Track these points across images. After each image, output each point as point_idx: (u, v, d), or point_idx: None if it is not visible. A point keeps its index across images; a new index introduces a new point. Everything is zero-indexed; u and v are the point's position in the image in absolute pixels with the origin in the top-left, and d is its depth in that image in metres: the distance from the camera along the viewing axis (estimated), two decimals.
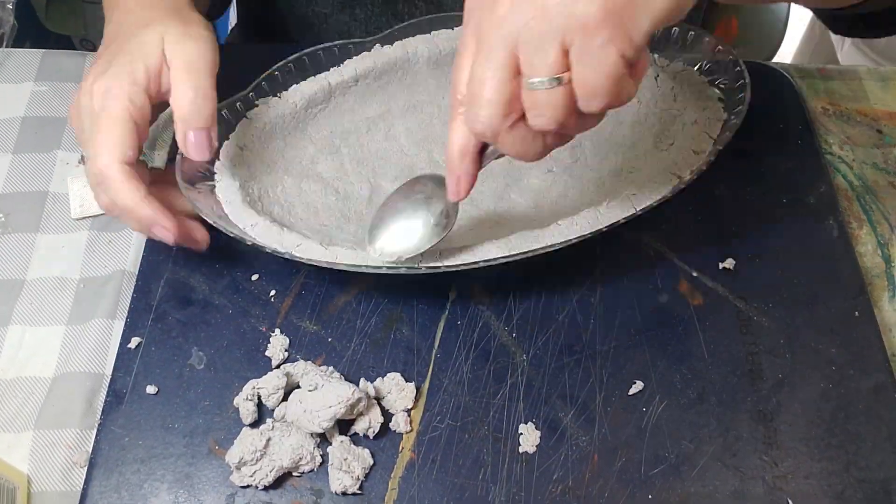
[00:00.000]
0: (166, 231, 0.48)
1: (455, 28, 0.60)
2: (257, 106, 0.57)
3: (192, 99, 0.47)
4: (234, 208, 0.51)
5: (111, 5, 0.54)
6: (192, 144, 0.48)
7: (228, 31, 0.94)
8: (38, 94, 0.66)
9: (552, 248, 0.49)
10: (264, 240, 0.49)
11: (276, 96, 0.58)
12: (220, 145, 0.54)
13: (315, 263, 0.49)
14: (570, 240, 0.49)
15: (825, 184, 0.61)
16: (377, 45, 0.60)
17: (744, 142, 0.63)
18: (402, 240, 0.48)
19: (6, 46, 0.74)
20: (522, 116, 0.37)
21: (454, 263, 0.48)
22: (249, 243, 0.49)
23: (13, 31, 0.84)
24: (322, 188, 0.57)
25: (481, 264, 0.48)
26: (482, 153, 0.43)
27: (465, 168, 0.42)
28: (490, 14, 0.36)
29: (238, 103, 0.56)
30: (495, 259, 0.48)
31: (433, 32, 0.60)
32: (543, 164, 0.59)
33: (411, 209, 0.49)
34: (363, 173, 0.59)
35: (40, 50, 0.70)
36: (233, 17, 1.01)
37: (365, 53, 0.60)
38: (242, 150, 0.55)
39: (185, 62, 0.48)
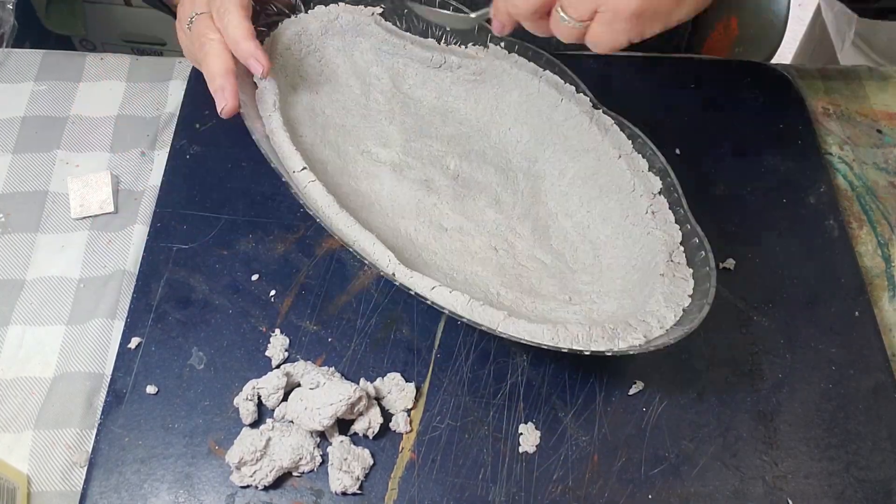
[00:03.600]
0: (259, 65, 0.50)
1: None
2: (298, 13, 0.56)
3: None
4: (270, 112, 0.51)
5: None
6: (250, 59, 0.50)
7: None
8: (37, 93, 0.66)
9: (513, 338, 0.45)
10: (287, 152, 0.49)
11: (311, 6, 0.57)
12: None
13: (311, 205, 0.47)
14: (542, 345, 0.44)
15: (825, 184, 0.61)
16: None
17: (744, 142, 0.63)
18: None
19: (6, 46, 0.74)
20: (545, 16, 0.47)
21: (434, 299, 0.45)
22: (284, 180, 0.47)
23: (13, 32, 0.84)
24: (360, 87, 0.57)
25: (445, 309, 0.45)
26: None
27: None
28: None
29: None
30: (456, 314, 0.45)
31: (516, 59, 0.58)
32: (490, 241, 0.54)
33: None
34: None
35: (40, 50, 0.70)
36: None
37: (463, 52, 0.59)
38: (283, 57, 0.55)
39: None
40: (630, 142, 0.54)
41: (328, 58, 0.57)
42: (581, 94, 0.56)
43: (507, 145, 0.58)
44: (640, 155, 0.53)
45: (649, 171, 0.53)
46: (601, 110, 0.55)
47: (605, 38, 0.45)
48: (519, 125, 0.58)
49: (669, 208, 0.52)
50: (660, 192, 0.52)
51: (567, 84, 0.56)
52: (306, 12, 0.57)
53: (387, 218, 0.53)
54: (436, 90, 0.59)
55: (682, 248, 0.50)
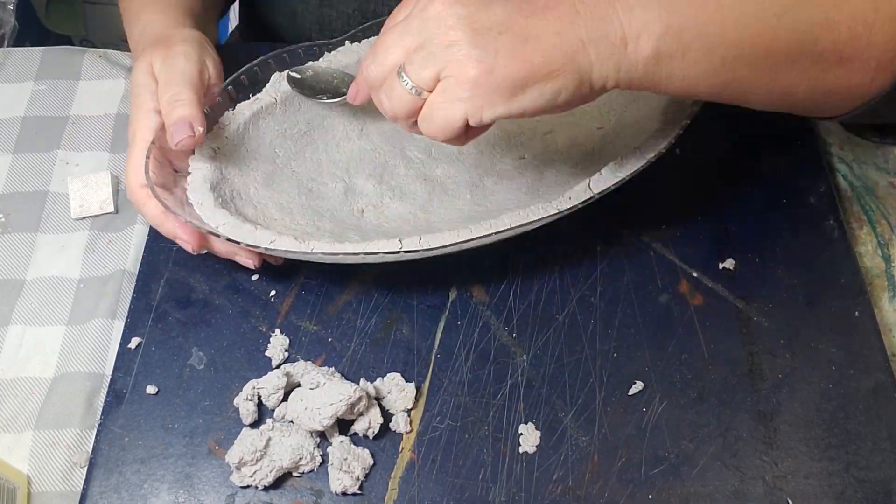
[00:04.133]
0: (186, 243, 0.51)
1: None
2: (232, 108, 0.57)
3: (167, 100, 0.52)
4: (206, 209, 0.51)
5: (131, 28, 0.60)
6: (174, 130, 0.50)
7: (229, 33, 0.94)
8: (38, 93, 0.66)
9: (540, 223, 0.48)
10: (236, 236, 0.49)
11: (249, 97, 0.58)
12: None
13: (291, 256, 0.49)
14: (561, 212, 0.48)
15: (825, 184, 0.61)
16: (347, 42, 0.61)
17: (744, 142, 0.63)
18: None
19: (7, 46, 0.74)
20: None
21: (437, 245, 0.47)
22: (223, 238, 0.49)
23: (14, 32, 0.84)
24: (296, 187, 0.57)
25: (464, 244, 0.47)
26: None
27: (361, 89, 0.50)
28: (422, 12, 0.42)
29: (218, 98, 0.56)
30: (480, 237, 0.47)
31: None
32: (515, 152, 0.59)
33: None
34: (337, 173, 0.59)
35: (40, 48, 0.70)
36: (233, 18, 1.01)
37: (337, 51, 0.60)
38: (216, 152, 0.55)
39: (165, 78, 0.53)
40: None
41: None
42: None
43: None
44: None
45: None
46: None
47: (441, 112, 0.41)
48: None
49: None
50: None
51: None
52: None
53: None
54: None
55: None
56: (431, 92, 0.42)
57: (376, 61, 0.44)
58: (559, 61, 0.40)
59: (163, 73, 0.53)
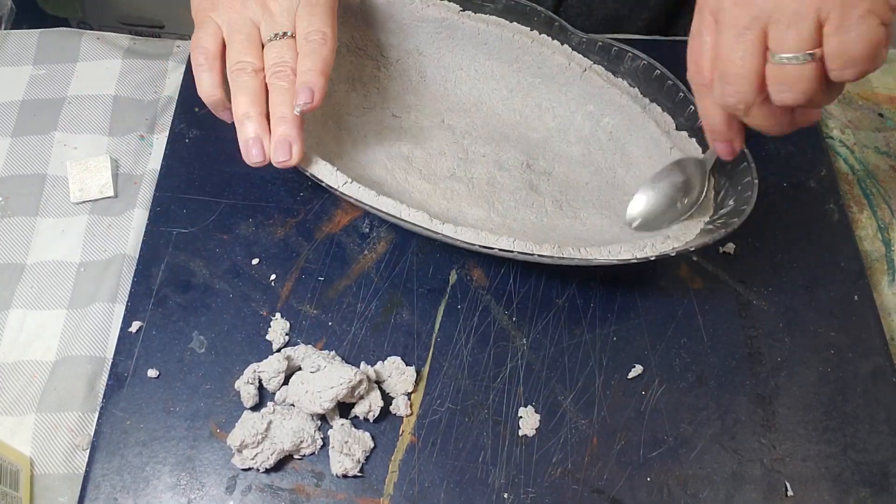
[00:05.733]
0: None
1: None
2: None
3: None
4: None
5: None
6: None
7: None
8: (36, 77, 0.66)
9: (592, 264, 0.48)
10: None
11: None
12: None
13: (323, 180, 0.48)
14: (612, 261, 0.47)
15: (826, 168, 0.61)
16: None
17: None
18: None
19: (4, 29, 0.73)
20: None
21: (507, 247, 0.47)
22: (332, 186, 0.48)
23: (11, 15, 0.83)
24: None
25: (517, 255, 0.47)
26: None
27: (735, 132, 0.44)
28: None
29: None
30: (534, 255, 0.47)
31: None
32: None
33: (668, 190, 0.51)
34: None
35: (37, 30, 0.69)
36: None
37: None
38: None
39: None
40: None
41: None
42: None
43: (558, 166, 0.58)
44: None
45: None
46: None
47: (856, 43, 0.35)
48: (579, 144, 0.58)
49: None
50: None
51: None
52: None
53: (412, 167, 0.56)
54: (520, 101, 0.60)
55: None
56: (820, 47, 0.36)
57: (733, 78, 0.38)
58: None
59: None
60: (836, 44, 0.35)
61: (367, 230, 0.57)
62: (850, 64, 0.36)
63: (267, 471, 0.47)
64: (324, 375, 0.47)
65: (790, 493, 0.47)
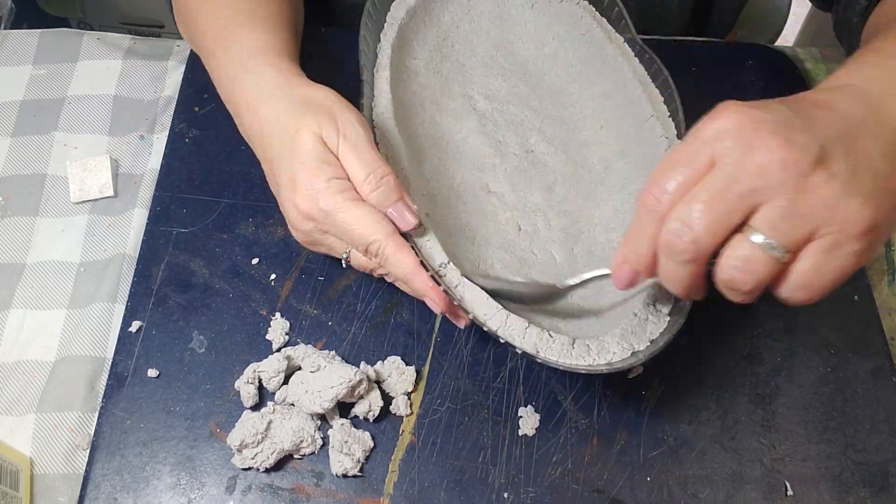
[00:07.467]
0: (434, 303, 0.46)
1: None
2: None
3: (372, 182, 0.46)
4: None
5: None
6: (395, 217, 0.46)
7: None
8: (36, 76, 0.66)
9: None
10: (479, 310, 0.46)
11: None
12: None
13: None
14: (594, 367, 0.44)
15: None
16: None
17: None
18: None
19: (4, 29, 0.73)
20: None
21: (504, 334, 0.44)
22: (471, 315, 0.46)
23: (11, 15, 0.83)
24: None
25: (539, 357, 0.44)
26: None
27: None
28: (743, 156, 0.35)
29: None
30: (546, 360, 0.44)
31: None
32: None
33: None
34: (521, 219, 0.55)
35: (37, 31, 0.69)
36: None
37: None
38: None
39: (352, 146, 0.47)
40: None
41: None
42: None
43: (592, 144, 0.57)
44: None
45: None
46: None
47: (822, 274, 0.35)
48: (609, 127, 0.58)
49: None
50: None
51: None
52: None
53: (445, 158, 0.55)
54: (565, 74, 0.61)
55: None
56: (796, 253, 0.35)
57: (693, 233, 0.35)
58: None
59: (346, 148, 0.46)
60: (811, 263, 0.35)
61: None
62: (807, 287, 0.35)
63: (267, 470, 0.47)
64: (324, 375, 0.47)
65: (790, 492, 0.47)
